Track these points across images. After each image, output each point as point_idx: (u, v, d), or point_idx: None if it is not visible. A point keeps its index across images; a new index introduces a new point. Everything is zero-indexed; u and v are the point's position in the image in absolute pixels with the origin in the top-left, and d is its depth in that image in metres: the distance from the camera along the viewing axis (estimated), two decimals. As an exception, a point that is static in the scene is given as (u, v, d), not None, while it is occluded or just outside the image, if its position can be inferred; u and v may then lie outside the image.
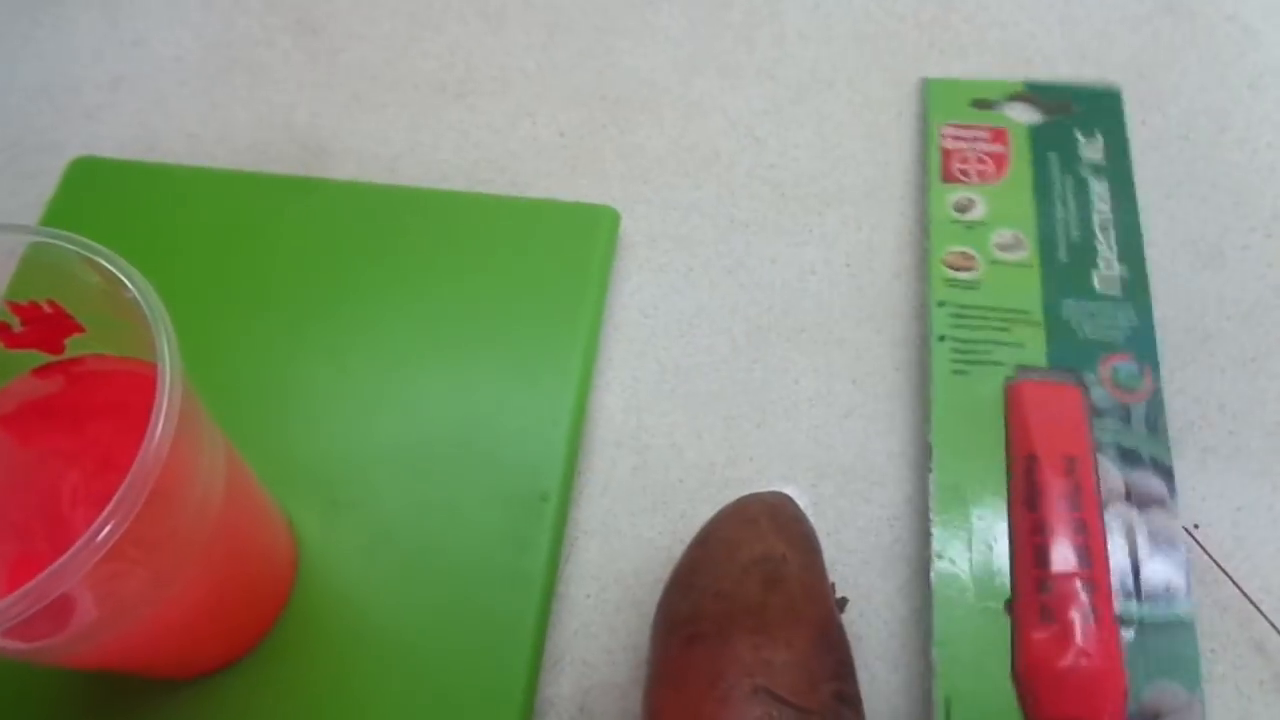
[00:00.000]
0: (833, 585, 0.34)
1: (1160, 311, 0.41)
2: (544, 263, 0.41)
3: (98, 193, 0.43)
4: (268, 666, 0.34)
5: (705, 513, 0.37)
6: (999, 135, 0.44)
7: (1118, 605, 0.34)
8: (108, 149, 0.46)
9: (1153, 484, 0.36)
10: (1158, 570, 0.35)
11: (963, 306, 0.39)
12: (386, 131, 0.47)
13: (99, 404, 0.27)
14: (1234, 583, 0.36)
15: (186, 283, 0.40)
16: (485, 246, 0.41)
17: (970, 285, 0.40)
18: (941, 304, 0.40)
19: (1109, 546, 0.35)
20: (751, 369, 0.41)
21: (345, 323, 0.40)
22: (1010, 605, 0.34)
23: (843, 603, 0.34)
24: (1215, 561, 0.36)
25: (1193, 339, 0.41)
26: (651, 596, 0.36)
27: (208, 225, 0.42)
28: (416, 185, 0.44)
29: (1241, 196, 0.44)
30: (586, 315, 0.40)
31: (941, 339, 0.39)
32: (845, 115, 0.47)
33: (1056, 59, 0.48)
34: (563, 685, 0.35)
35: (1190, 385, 0.40)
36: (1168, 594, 0.34)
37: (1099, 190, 0.42)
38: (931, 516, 0.36)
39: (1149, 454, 0.37)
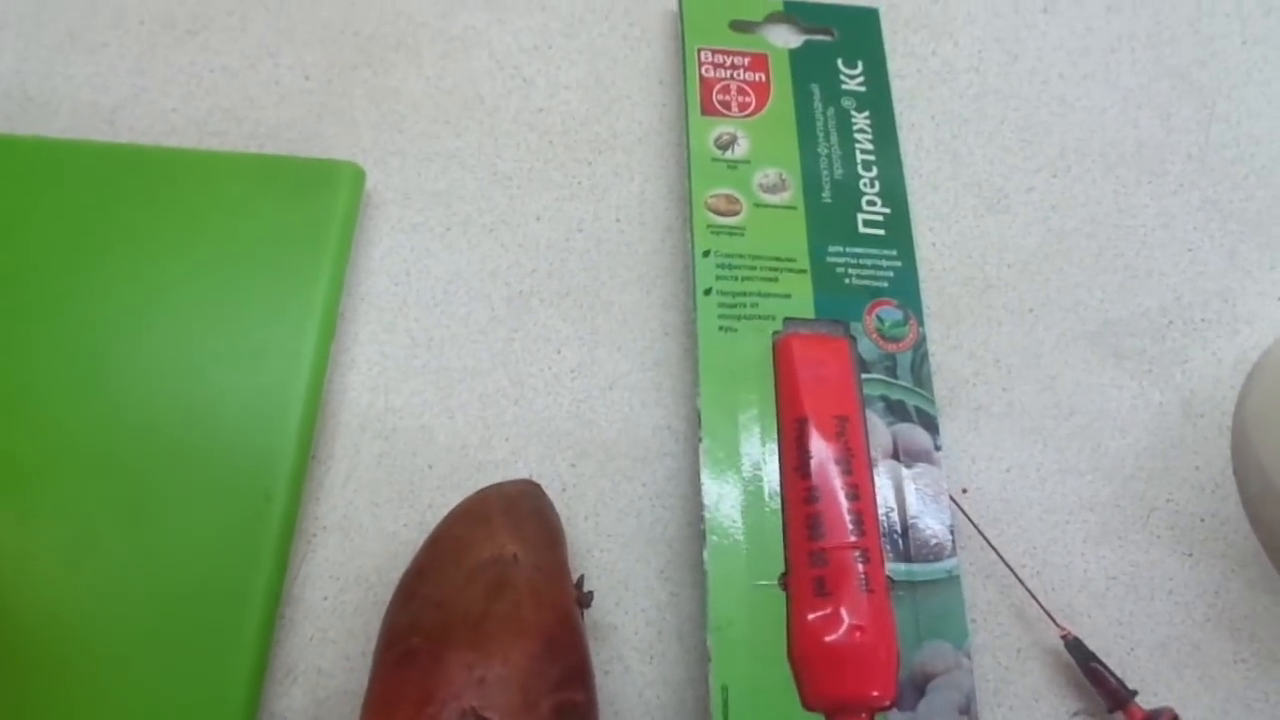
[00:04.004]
0: (580, 578, 0.32)
1: (941, 262, 0.40)
2: (275, 228, 0.37)
3: None
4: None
5: (454, 501, 0.34)
6: (759, 62, 0.41)
7: (887, 567, 0.33)
8: None
9: (919, 437, 0.35)
10: (925, 528, 0.34)
11: (728, 256, 0.37)
12: (106, 77, 0.41)
13: None
14: (997, 553, 0.35)
15: None
16: (209, 212, 0.37)
17: (735, 231, 0.37)
18: (706, 254, 0.37)
19: (879, 508, 0.34)
20: (511, 339, 0.38)
21: (40, 302, 0.35)
22: (784, 580, 0.33)
23: (588, 598, 0.32)
24: (979, 531, 0.35)
25: (972, 290, 0.39)
26: (392, 597, 0.34)
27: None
28: (136, 142, 0.39)
29: (1031, 133, 0.42)
30: (323, 286, 0.36)
31: (708, 293, 0.36)
32: (621, 51, 0.43)
33: (850, -16, 0.45)
34: (295, 697, 0.33)
35: (966, 339, 0.38)
36: (935, 551, 0.33)
37: (861, 124, 0.40)
38: (704, 491, 0.34)
39: (914, 405, 0.35)
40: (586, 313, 0.38)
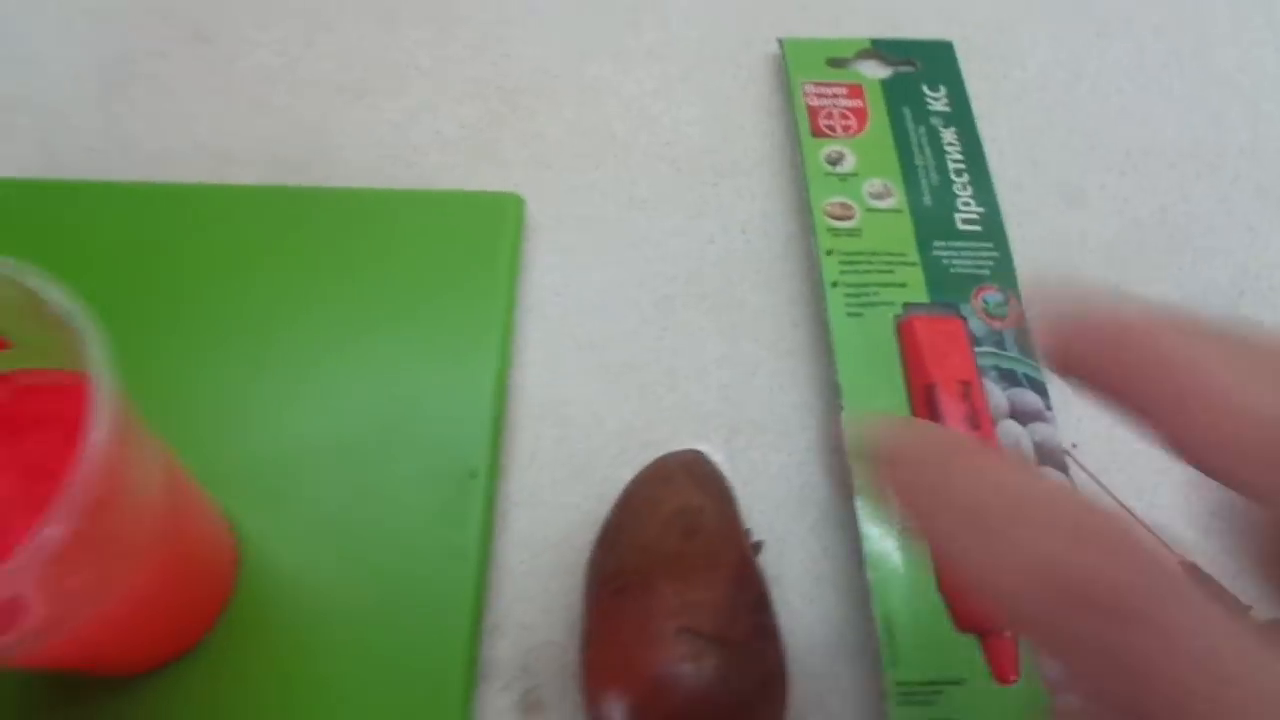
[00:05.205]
0: (748, 531, 0.37)
1: (1032, 252, 0.45)
2: (456, 252, 0.43)
3: (1, 213, 0.44)
4: (216, 657, 0.35)
5: (625, 476, 0.39)
6: (855, 91, 0.47)
7: (1013, 518, 0.37)
8: (8, 169, 0.46)
9: (1030, 399, 0.40)
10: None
11: (849, 253, 0.42)
12: (289, 135, 0.48)
13: (33, 415, 0.28)
14: (1113, 496, 0.39)
15: (99, 297, 0.40)
16: (398, 241, 0.43)
17: (852, 233, 0.43)
18: (830, 252, 0.42)
19: None
20: (661, 337, 0.43)
21: (267, 324, 0.41)
22: None
23: (758, 546, 0.37)
24: (1092, 476, 0.40)
25: (1061, 275, 0.44)
26: (580, 559, 0.38)
27: (115, 238, 0.43)
28: (324, 185, 0.45)
29: (1097, 139, 0.48)
30: (501, 298, 0.42)
31: (834, 285, 0.42)
32: (732, 89, 0.49)
33: (923, 19, 0.51)
34: (504, 648, 0.37)
35: (1062, 318, 0.43)
36: (1055, 504, 0.38)
37: (949, 138, 0.46)
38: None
39: (1023, 373, 0.40)
40: (725, 312, 0.43)
